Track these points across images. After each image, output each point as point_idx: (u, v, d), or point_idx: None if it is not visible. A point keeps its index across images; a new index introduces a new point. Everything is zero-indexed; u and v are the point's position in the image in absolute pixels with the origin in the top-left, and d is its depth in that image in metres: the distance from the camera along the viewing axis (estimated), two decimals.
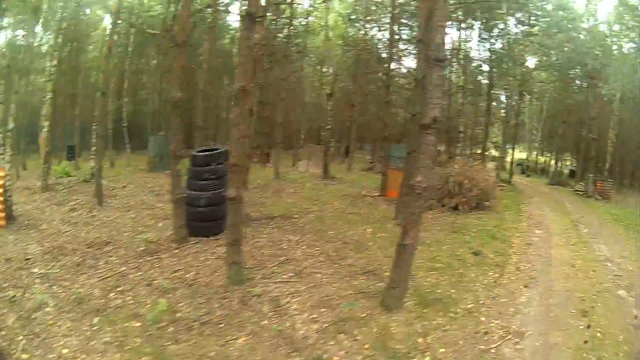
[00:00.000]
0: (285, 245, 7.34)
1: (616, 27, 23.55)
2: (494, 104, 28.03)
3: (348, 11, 25.95)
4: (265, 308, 4.88)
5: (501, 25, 23.50)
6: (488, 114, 25.68)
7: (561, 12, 22.40)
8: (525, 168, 36.13)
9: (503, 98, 28.65)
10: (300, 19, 23.84)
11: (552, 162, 31.96)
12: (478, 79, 27.70)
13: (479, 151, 26.97)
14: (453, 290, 5.85)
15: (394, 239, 6.12)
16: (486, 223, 10.68)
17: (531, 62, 27.58)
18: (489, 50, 25.12)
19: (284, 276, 5.86)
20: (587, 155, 23.90)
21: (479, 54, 26.51)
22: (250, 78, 6.05)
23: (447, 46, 25.39)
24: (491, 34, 24.52)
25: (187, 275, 5.73)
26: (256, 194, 11.80)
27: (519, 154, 43.03)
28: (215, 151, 7.94)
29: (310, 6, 23.89)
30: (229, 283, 5.35)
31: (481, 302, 5.58)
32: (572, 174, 29.54)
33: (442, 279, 6.28)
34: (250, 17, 5.47)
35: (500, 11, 22.15)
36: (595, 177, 21.16)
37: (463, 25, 24.88)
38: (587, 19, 24.21)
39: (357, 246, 7.63)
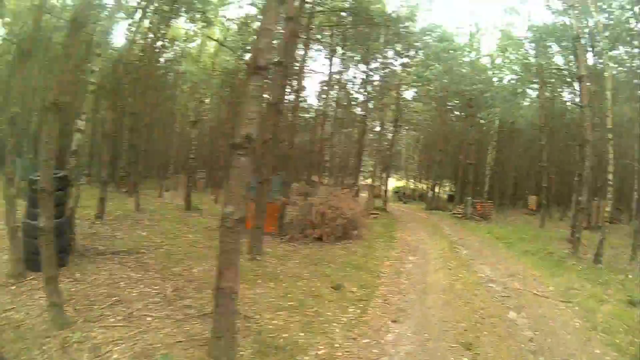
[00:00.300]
0: (123, 284, 6.42)
1: (498, 60, 25.35)
2: (370, 135, 28.40)
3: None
4: (85, 357, 4.21)
5: (379, 57, 23.24)
6: (360, 143, 25.19)
7: (442, 44, 23.04)
8: (402, 195, 37.06)
9: (378, 128, 28.96)
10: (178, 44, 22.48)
11: (430, 188, 33.02)
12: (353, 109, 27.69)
13: (352, 180, 26.56)
14: (303, 334, 4.98)
15: (242, 275, 5.52)
16: (353, 253, 9.90)
17: (409, 92, 28.49)
18: (365, 80, 24.93)
19: (112, 319, 5.06)
20: (465, 179, 24.59)
21: (354, 84, 26.43)
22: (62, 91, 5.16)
23: (324, 76, 24.72)
24: (368, 66, 24.28)
25: (17, 316, 4.97)
26: (111, 226, 10.59)
27: (397, 182, 45.11)
28: (55, 175, 6.22)
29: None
30: (51, 327, 4.71)
31: (337, 345, 4.78)
32: (450, 198, 30.59)
33: (291, 320, 5.38)
34: None
35: (377, 43, 21.80)
36: (474, 199, 21.47)
37: (340, 53, 24.31)
38: (469, 52, 25.62)
39: (200, 285, 6.57)
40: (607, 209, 12.98)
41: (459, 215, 21.33)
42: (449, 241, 13.03)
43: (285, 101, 16.05)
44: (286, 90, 15.18)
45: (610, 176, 12.88)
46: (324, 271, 8.00)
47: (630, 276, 9.49)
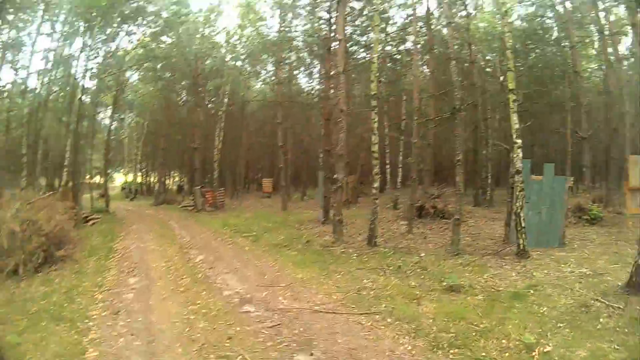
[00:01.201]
0: None
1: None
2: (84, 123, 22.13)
3: None
4: None
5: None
6: (75, 134, 19.25)
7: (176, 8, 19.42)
8: (129, 191, 32.12)
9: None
10: None
11: (158, 180, 29.43)
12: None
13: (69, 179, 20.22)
14: None
15: None
16: (54, 290, 6.42)
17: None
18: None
19: None
20: (194, 167, 22.25)
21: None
22: None
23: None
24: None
25: None
26: None
27: (125, 177, 38.92)
28: None
29: None
30: None
31: None
32: (180, 189, 27.98)
33: None
34: None
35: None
36: (202, 188, 19.54)
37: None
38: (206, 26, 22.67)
39: None
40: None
41: (190, 208, 19.11)
42: (179, 244, 10.56)
43: None
44: None
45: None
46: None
47: (423, 255, 8.47)
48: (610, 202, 13.43)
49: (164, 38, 20.84)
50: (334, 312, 5.39)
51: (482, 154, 16.46)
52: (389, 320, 5.11)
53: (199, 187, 19.19)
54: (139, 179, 39.03)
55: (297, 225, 13.20)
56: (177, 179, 33.71)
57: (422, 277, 6.94)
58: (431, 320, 5.01)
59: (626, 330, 4.56)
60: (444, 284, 6.31)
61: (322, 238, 10.66)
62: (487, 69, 19.08)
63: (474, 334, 4.61)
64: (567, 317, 4.99)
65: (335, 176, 11.13)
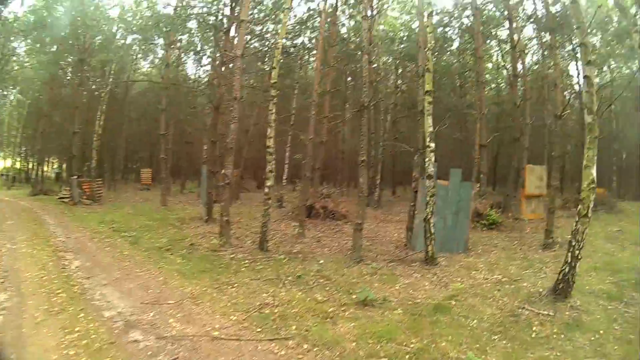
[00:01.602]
0: None
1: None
2: None
3: None
4: None
5: None
6: None
7: None
8: (7, 179, 27.93)
9: None
10: None
11: (36, 166, 25.91)
12: None
13: None
14: None
15: None
16: None
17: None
18: None
19: None
20: (72, 154, 19.67)
21: None
22: None
23: None
24: None
25: None
26: None
27: (5, 163, 33.69)
28: None
29: None
30: None
31: None
32: (58, 177, 24.84)
33: None
34: None
35: None
36: (79, 178, 17.30)
37: None
38: None
39: None
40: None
41: (67, 200, 16.84)
42: (54, 246, 8.90)
43: None
44: None
45: None
46: None
47: (322, 262, 7.87)
48: (508, 207, 14.09)
49: (57, 5, 18.44)
50: (238, 339, 4.51)
51: (373, 155, 16.64)
52: (305, 346, 4.35)
53: (76, 176, 16.98)
54: (18, 165, 34.24)
55: (179, 224, 12.14)
56: (55, 166, 29.93)
57: (328, 289, 6.28)
58: (354, 344, 4.39)
59: (562, 337, 4.55)
60: (354, 297, 5.74)
61: (209, 241, 9.68)
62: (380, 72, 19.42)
63: (407, 356, 4.14)
64: (499, 328, 4.84)
65: (223, 171, 10.29)
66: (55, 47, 20.60)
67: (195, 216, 13.19)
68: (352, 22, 18.73)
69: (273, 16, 14.10)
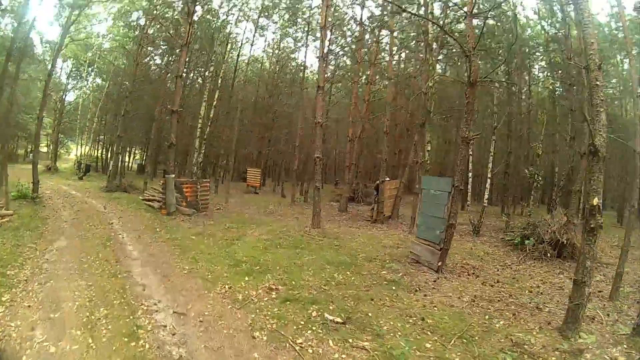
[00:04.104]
0: None
1: None
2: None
3: None
4: None
5: None
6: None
7: None
8: (79, 168, 24.41)
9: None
10: None
11: (115, 155, 22.00)
12: None
13: None
14: None
15: None
16: None
17: None
18: None
19: None
20: (168, 142, 14.52)
21: None
22: None
23: None
24: None
25: None
26: None
27: (82, 150, 30.69)
28: None
29: None
30: None
31: None
32: (141, 169, 20.60)
33: None
34: None
35: None
36: (179, 177, 12.34)
37: None
38: None
39: None
40: None
41: (156, 206, 12.03)
42: (136, 323, 4.32)
43: None
44: None
45: None
46: None
47: None
48: None
49: None
50: None
51: None
52: None
53: (174, 175, 11.88)
54: (95, 153, 31.13)
55: (386, 273, 6.86)
56: (137, 157, 26.03)
57: None
58: None
59: None
60: None
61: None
62: None
63: None
64: None
65: None
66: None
67: (402, 255, 7.71)
68: None
69: None
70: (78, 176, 22.85)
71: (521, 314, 5.30)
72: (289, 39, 23.79)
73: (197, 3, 13.42)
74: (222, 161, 23.30)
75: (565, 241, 8.70)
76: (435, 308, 5.37)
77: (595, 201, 4.46)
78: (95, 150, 31.41)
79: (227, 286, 5.70)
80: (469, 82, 6.86)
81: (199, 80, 23.58)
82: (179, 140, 14.28)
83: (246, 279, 6.05)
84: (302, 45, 22.01)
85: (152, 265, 6.51)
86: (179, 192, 11.45)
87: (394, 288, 6.05)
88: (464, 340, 4.37)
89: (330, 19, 12.23)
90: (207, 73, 19.71)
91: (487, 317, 5.13)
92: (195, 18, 14.01)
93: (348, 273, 6.73)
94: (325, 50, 11.29)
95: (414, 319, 4.93)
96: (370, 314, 4.97)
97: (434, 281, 6.55)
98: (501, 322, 4.96)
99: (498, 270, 7.77)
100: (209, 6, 18.57)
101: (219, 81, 19.21)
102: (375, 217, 13.17)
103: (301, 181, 19.80)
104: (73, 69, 29.31)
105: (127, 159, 24.48)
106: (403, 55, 20.38)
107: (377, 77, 19.50)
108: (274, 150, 24.42)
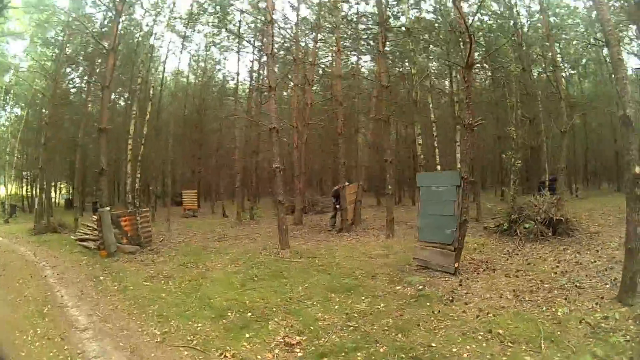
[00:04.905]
0: None
1: None
2: None
3: None
4: None
5: None
6: None
7: None
8: (9, 209, 21.71)
9: None
10: None
11: (41, 192, 19.52)
12: None
13: None
14: None
15: None
16: None
17: None
18: None
19: None
20: (98, 167, 12.33)
21: None
22: None
23: None
24: None
25: None
26: None
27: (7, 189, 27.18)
28: None
29: None
30: None
31: None
32: (69, 204, 18.62)
33: None
34: None
35: None
36: (113, 210, 10.67)
37: None
38: None
39: None
40: None
41: (92, 247, 10.33)
42: None
43: None
44: None
45: None
46: None
47: None
48: None
49: None
50: None
51: None
52: None
53: (109, 208, 10.18)
54: (20, 192, 27.83)
55: (401, 288, 6.36)
56: (64, 191, 23.55)
57: None
58: None
59: None
60: None
61: None
62: None
63: None
64: None
65: None
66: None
67: (401, 263, 7.31)
68: None
69: None
70: (3, 219, 20.18)
71: (570, 297, 5.24)
72: (214, 48, 22.69)
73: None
74: (157, 186, 21.64)
75: (559, 218, 8.78)
76: (489, 315, 4.91)
77: (637, 170, 4.56)
78: (20, 188, 28.13)
79: (227, 354, 4.30)
80: (466, 64, 6.80)
81: (124, 94, 21.71)
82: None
83: (246, 336, 4.69)
84: (234, 51, 20.89)
85: (110, 336, 4.88)
86: (117, 227, 9.79)
87: (428, 304, 5.46)
88: (552, 340, 4.10)
89: (275, 17, 11.28)
90: (132, 86, 18.02)
91: (544, 308, 4.95)
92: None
93: (362, 298, 5.76)
94: (273, 48, 10.30)
95: (481, 333, 4.44)
96: (434, 345, 4.15)
97: (460, 285, 6.18)
98: (563, 310, 4.80)
99: (508, 260, 7.52)
100: (132, 16, 17.03)
101: (151, 91, 17.73)
102: (341, 226, 12.41)
103: (242, 197, 18.53)
104: None
105: (53, 194, 21.84)
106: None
107: (320, 78, 18.93)
108: (207, 168, 23.18)
